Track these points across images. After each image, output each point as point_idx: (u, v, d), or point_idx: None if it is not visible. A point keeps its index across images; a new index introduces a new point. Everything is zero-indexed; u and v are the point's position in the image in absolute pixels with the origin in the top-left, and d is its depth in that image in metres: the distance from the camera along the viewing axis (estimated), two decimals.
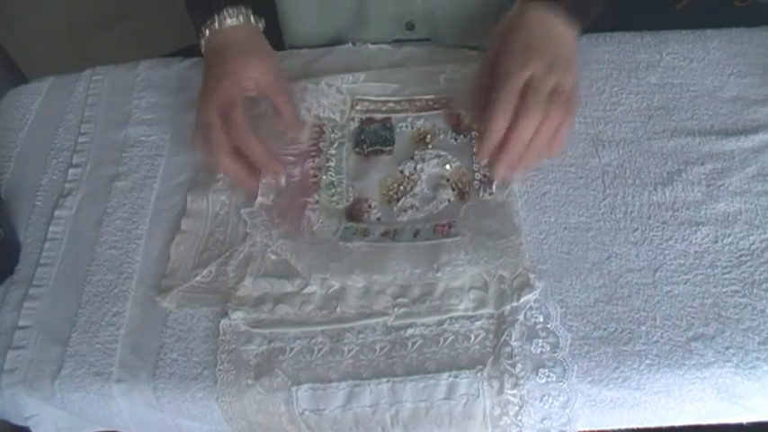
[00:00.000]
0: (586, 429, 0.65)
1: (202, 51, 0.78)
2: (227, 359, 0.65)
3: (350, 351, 0.65)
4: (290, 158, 0.77)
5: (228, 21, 0.76)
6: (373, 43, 0.87)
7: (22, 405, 0.68)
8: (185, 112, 0.84)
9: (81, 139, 0.84)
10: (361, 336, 0.65)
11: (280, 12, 0.89)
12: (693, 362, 0.62)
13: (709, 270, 0.66)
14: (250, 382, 0.64)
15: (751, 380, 0.61)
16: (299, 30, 0.90)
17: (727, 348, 0.62)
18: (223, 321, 0.67)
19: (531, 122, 0.66)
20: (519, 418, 0.61)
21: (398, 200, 0.73)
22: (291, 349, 0.65)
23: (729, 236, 0.68)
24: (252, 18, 0.78)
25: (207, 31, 0.77)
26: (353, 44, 0.87)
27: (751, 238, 0.68)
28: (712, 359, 0.62)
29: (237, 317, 0.67)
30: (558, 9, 0.71)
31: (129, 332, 0.69)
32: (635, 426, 0.65)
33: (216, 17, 0.76)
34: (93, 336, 0.69)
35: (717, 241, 0.68)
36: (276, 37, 0.90)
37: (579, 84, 0.71)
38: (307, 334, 0.66)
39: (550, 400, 0.61)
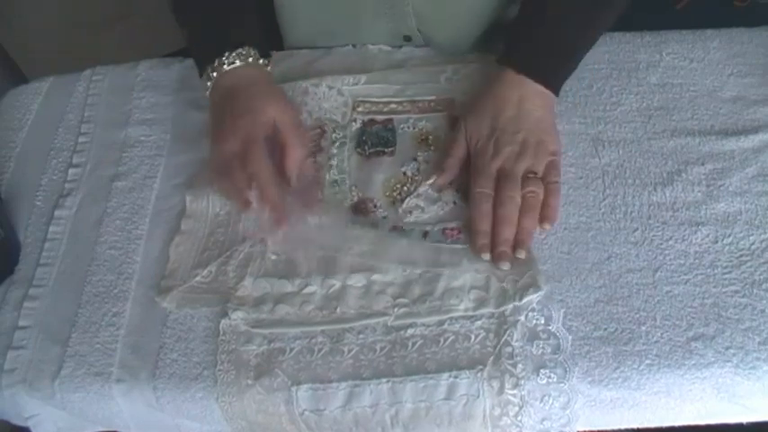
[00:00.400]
0: (586, 429, 0.65)
1: (206, 92, 0.76)
2: (227, 359, 0.65)
3: (350, 351, 0.65)
4: None
5: (238, 62, 0.75)
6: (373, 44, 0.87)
7: (22, 405, 0.68)
8: (185, 112, 0.84)
9: (81, 139, 0.84)
10: (361, 336, 0.65)
11: (280, 23, 0.89)
12: (693, 362, 0.62)
13: (709, 270, 0.66)
14: (250, 382, 0.64)
15: (751, 380, 0.61)
16: (297, 35, 0.90)
17: (728, 348, 0.62)
18: (223, 321, 0.67)
19: (509, 211, 0.68)
20: (519, 418, 0.61)
21: (402, 200, 0.73)
22: (291, 349, 0.65)
23: (729, 236, 0.68)
24: (260, 60, 0.77)
25: (214, 74, 0.75)
26: (354, 46, 0.87)
27: (751, 238, 0.68)
28: (712, 359, 0.62)
29: (237, 317, 0.67)
30: (532, 72, 0.73)
31: (129, 332, 0.69)
32: (635, 426, 0.65)
33: (224, 58, 0.74)
34: (93, 336, 0.69)
35: (717, 241, 0.68)
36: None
37: (561, 145, 0.74)
38: (307, 334, 0.66)
39: (551, 401, 0.61)
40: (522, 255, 0.67)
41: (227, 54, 0.74)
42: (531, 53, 0.74)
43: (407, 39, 0.86)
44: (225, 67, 0.74)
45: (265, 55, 0.78)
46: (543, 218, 0.69)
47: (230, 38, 0.76)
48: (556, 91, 0.74)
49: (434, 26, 0.84)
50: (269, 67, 0.78)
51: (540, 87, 0.73)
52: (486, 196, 0.70)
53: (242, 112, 0.72)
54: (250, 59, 0.75)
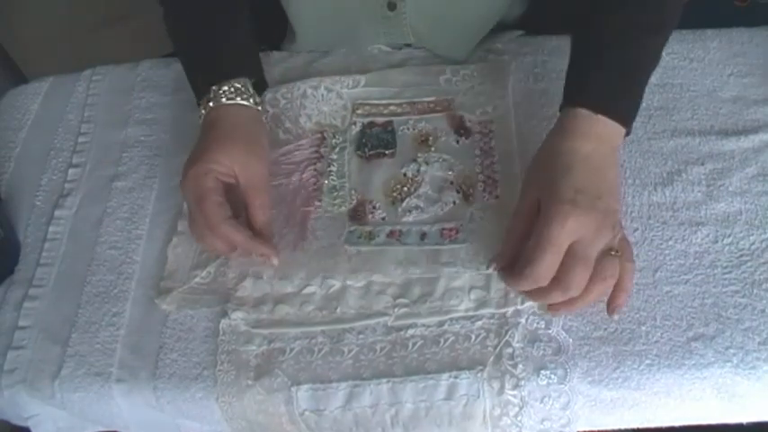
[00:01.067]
0: (586, 429, 0.65)
1: (200, 122, 0.72)
2: (226, 359, 0.65)
3: (350, 351, 0.65)
4: (291, 167, 0.77)
5: (224, 100, 0.70)
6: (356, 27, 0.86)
7: (22, 405, 0.68)
8: (185, 112, 0.84)
9: (81, 139, 0.84)
10: (361, 336, 0.65)
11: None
12: (693, 362, 0.62)
13: (709, 270, 0.66)
14: (250, 382, 0.64)
15: (751, 380, 0.61)
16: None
17: (728, 348, 0.62)
18: (223, 321, 0.67)
19: (572, 295, 0.61)
20: (519, 418, 0.61)
21: (402, 200, 0.73)
22: (291, 350, 0.65)
23: (729, 236, 0.68)
24: (254, 98, 0.72)
25: (202, 110, 0.72)
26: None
27: (751, 238, 0.68)
28: (712, 359, 0.62)
29: (237, 317, 0.67)
30: (610, 109, 0.64)
31: (128, 332, 0.69)
32: (635, 426, 0.65)
33: (216, 92, 0.71)
34: (92, 336, 0.69)
35: (717, 241, 0.68)
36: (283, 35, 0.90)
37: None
38: (307, 334, 0.66)
39: (551, 402, 0.61)
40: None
41: (217, 86, 0.71)
42: (606, 86, 0.64)
43: (392, 7, 0.85)
44: (212, 103, 0.71)
45: (258, 81, 0.75)
46: (614, 305, 0.62)
47: (225, 67, 0.73)
48: (629, 130, 0.66)
49: (430, 41, 0.84)
50: (259, 107, 0.73)
51: (618, 128, 0.64)
52: (548, 271, 0.60)
53: (198, 158, 0.68)
54: (240, 98, 0.71)
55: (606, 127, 0.64)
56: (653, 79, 0.79)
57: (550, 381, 0.61)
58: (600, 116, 0.63)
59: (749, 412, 0.64)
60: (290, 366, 0.64)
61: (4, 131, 0.86)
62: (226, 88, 0.71)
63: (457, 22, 0.82)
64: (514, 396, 0.61)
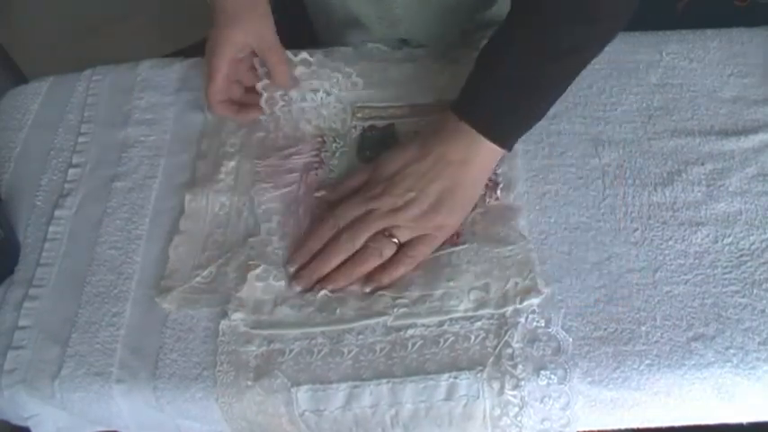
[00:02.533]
0: (586, 430, 0.65)
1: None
2: (226, 360, 0.65)
3: (350, 352, 0.64)
4: (293, 175, 0.77)
5: None
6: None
7: (22, 405, 0.68)
8: (185, 113, 0.84)
9: (81, 139, 0.84)
10: (360, 337, 0.65)
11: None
12: (693, 362, 0.62)
13: (709, 270, 0.66)
14: (249, 383, 0.64)
15: (751, 380, 0.61)
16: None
17: (728, 349, 0.62)
18: (223, 322, 0.67)
19: (337, 253, 0.68)
20: (519, 419, 0.61)
21: None
22: (291, 351, 0.65)
23: (729, 236, 0.68)
24: None
25: None
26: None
27: (751, 238, 0.68)
28: (712, 359, 0.62)
29: (237, 318, 0.67)
30: (492, 134, 0.67)
31: (128, 332, 0.69)
32: (635, 426, 0.65)
33: None
34: (92, 336, 0.69)
35: (717, 241, 0.68)
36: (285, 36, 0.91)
37: (456, 228, 0.70)
38: (306, 335, 0.66)
39: (551, 402, 0.61)
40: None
41: None
42: (493, 111, 0.68)
43: (404, 41, 0.86)
44: None
45: None
46: (370, 278, 0.67)
47: None
48: (509, 149, 0.70)
49: (422, 31, 0.85)
50: None
51: (494, 147, 0.68)
52: (332, 225, 0.69)
53: (217, 30, 0.76)
54: None
55: (485, 148, 0.68)
56: (653, 79, 0.79)
57: (550, 381, 0.61)
58: (482, 138, 0.67)
59: (749, 412, 0.64)
60: (289, 367, 0.64)
61: (4, 131, 0.86)
62: None
63: (442, 7, 0.83)
64: (514, 396, 0.61)
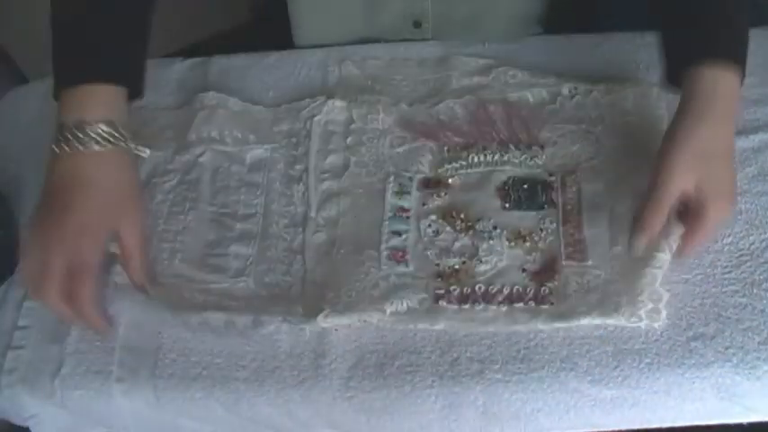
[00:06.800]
0: (586, 430, 0.65)
1: (49, 165, 0.65)
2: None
3: None
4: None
5: (96, 146, 0.64)
6: (381, 41, 0.87)
7: (22, 405, 0.68)
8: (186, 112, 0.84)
9: None
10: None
11: (290, 12, 0.89)
12: (693, 361, 0.62)
13: (708, 270, 0.66)
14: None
15: (751, 380, 0.61)
16: (308, 28, 0.89)
17: (727, 348, 0.62)
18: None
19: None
20: None
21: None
22: None
23: (729, 236, 0.68)
24: (122, 134, 0.66)
25: (65, 148, 0.64)
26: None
27: (751, 238, 0.68)
28: (712, 359, 0.62)
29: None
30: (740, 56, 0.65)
31: (128, 332, 0.69)
32: (635, 426, 0.65)
33: (81, 134, 0.64)
34: (92, 335, 0.69)
35: (717, 241, 0.68)
36: (287, 36, 0.90)
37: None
38: None
39: None
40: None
41: (81, 130, 0.64)
42: (730, 37, 0.66)
43: (417, 25, 0.86)
44: (81, 147, 0.64)
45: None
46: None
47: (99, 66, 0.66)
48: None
49: (450, 3, 0.84)
50: (129, 144, 0.67)
51: (738, 80, 0.65)
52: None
53: (84, 225, 0.63)
54: (112, 139, 0.65)
55: (731, 81, 0.65)
56: (653, 79, 0.79)
57: None
58: (723, 70, 0.64)
59: (749, 412, 0.64)
60: None
61: (4, 131, 0.86)
62: (101, 127, 0.65)
63: (479, 36, 0.83)
64: None
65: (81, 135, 0.64)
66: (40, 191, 0.67)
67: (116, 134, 0.66)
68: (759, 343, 0.62)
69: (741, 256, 0.67)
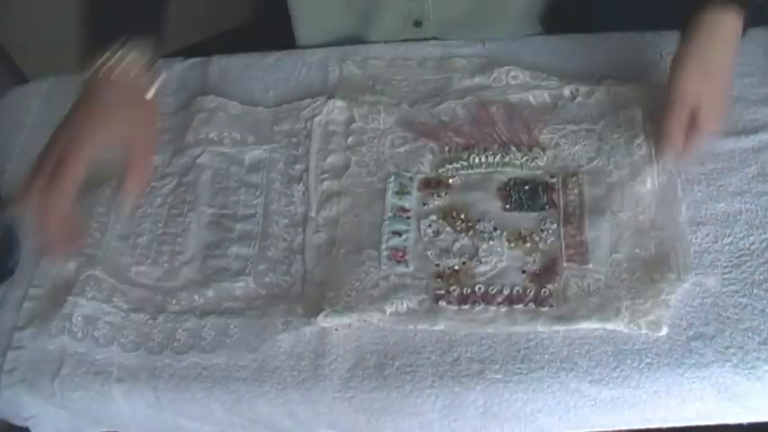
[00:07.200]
0: (586, 430, 0.65)
1: (87, 75, 0.69)
2: None
3: None
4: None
5: (128, 58, 0.68)
6: (382, 40, 0.87)
7: (22, 405, 0.68)
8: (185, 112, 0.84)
9: None
10: None
11: (291, 11, 0.89)
12: (693, 361, 0.62)
13: (709, 270, 0.66)
14: None
15: (751, 380, 0.61)
16: (309, 27, 0.89)
17: (727, 348, 0.62)
18: None
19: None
20: None
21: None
22: None
23: (729, 236, 0.68)
24: (152, 53, 0.70)
25: (99, 62, 0.68)
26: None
27: (751, 238, 0.68)
28: (712, 359, 0.62)
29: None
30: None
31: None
32: (635, 426, 0.65)
33: (118, 49, 0.68)
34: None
35: (717, 241, 0.68)
36: (288, 36, 0.90)
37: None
38: None
39: None
40: None
41: (118, 45, 0.68)
42: None
43: (417, 25, 0.86)
44: (113, 60, 0.67)
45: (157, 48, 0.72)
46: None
47: (129, 25, 0.70)
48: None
49: (451, 5, 0.85)
50: (159, 77, 0.72)
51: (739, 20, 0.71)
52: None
53: (81, 128, 0.66)
54: (143, 54, 0.69)
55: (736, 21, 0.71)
56: (653, 79, 0.79)
57: None
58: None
59: (749, 412, 0.64)
60: None
61: (4, 131, 0.86)
62: (134, 42, 0.68)
63: (479, 35, 0.83)
64: None
65: (110, 61, 0.68)
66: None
67: (150, 48, 0.70)
68: (759, 343, 0.62)
69: (741, 256, 0.67)
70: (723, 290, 0.65)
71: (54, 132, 0.67)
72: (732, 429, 0.67)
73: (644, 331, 0.63)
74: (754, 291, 0.65)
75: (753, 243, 0.68)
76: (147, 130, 0.71)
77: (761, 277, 0.66)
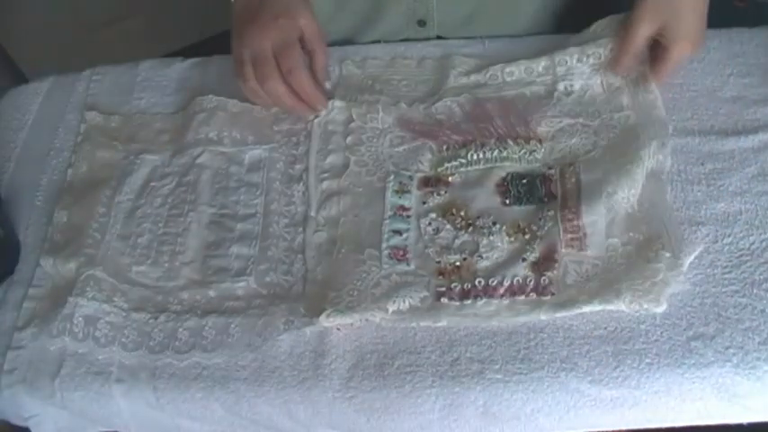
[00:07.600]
0: (586, 430, 0.65)
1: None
2: None
3: None
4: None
5: None
6: (382, 41, 0.87)
7: (22, 405, 0.68)
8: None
9: (81, 139, 0.84)
10: None
11: None
12: (693, 361, 0.62)
13: (708, 270, 0.66)
14: None
15: (751, 380, 0.61)
16: None
17: (727, 348, 0.62)
18: None
19: None
20: None
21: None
22: None
23: (729, 236, 0.68)
24: None
25: None
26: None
27: (751, 238, 0.68)
28: (712, 359, 0.62)
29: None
30: None
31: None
32: (635, 426, 0.65)
33: None
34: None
35: (717, 241, 0.68)
36: None
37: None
38: None
39: None
40: None
41: None
42: None
43: (422, 24, 0.86)
44: None
45: None
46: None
47: None
48: None
49: (455, 5, 0.85)
50: None
51: None
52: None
53: (279, 12, 0.75)
54: None
55: None
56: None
57: None
58: None
59: (749, 412, 0.64)
60: None
61: (4, 131, 0.86)
62: None
63: (482, 34, 0.84)
64: None
65: None
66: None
67: None
68: (759, 343, 0.62)
69: (741, 256, 0.67)
70: (723, 290, 0.65)
71: (246, 27, 0.75)
72: (732, 429, 0.67)
73: (645, 307, 0.63)
74: (754, 291, 0.65)
75: (753, 243, 0.68)
76: (314, 18, 0.78)
77: (761, 277, 0.66)
